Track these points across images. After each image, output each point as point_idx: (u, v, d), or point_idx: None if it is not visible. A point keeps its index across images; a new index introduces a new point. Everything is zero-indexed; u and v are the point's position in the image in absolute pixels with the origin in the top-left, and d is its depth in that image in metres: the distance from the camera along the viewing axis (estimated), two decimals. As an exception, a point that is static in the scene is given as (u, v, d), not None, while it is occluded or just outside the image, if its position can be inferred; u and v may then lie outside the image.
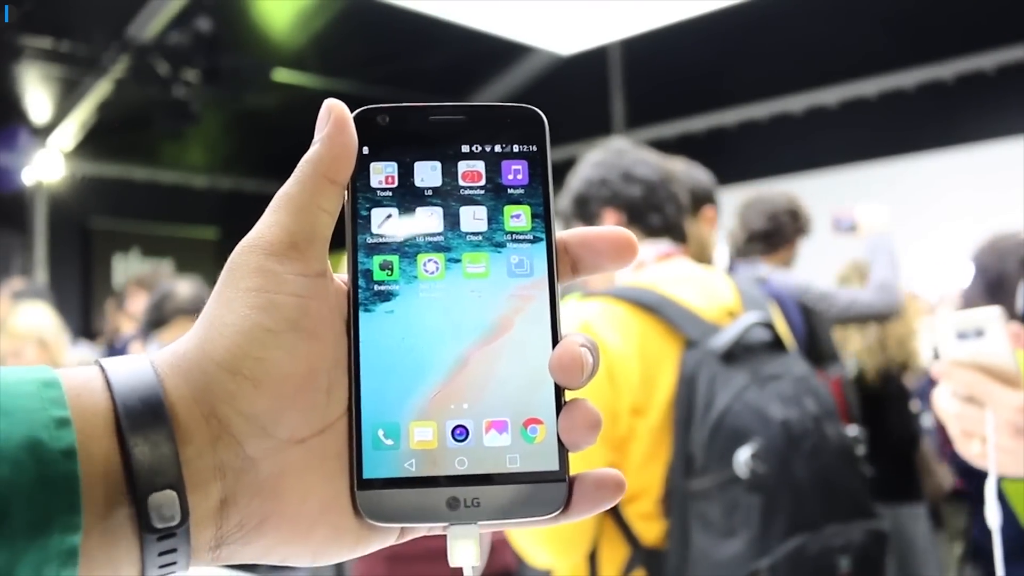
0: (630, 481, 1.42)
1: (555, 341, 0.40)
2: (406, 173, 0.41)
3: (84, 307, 7.71)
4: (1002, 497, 1.01)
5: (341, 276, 0.42)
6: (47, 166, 6.83)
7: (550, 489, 0.38)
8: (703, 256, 2.28)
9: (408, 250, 0.41)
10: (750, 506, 1.31)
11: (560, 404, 0.39)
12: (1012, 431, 0.92)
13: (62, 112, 6.60)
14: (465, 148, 0.42)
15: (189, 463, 0.35)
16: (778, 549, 1.30)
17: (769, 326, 1.50)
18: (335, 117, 0.40)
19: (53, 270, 7.19)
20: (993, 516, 0.93)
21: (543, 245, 0.41)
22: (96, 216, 7.80)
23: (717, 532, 1.33)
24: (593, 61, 6.61)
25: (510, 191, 0.41)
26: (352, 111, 0.41)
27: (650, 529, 1.41)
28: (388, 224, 0.41)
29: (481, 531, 0.39)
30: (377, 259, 0.40)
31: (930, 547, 3.36)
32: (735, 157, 6.64)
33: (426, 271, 0.40)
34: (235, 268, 0.38)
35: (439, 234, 0.41)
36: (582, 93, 7.28)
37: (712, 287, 1.58)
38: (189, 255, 8.12)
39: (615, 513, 1.44)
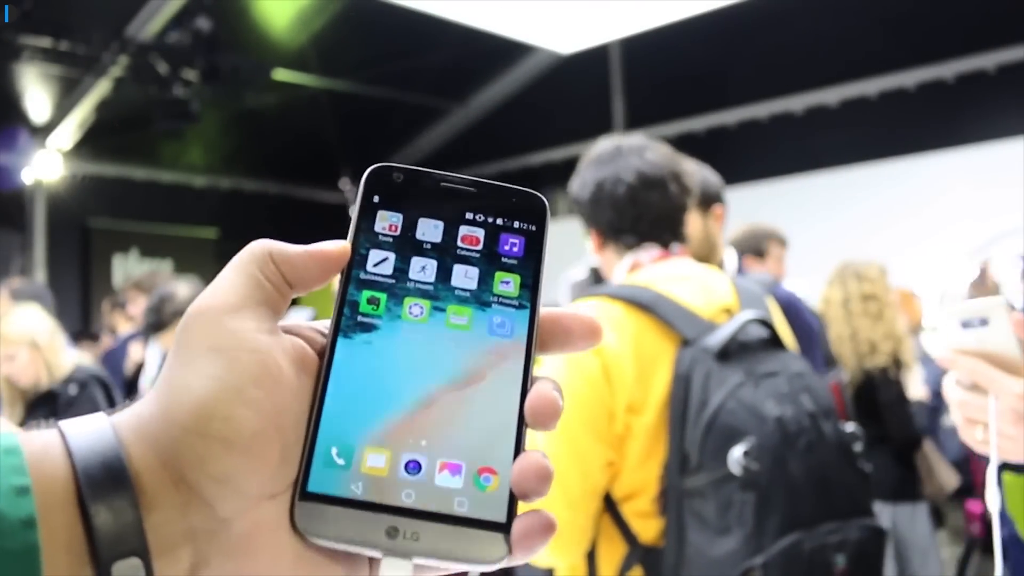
0: (627, 479, 1.42)
1: (523, 400, 0.40)
2: (409, 225, 0.43)
3: (83, 307, 7.72)
4: None
5: (299, 326, 0.42)
6: (46, 165, 6.84)
7: (492, 539, 0.38)
8: (712, 255, 2.25)
9: (397, 291, 0.42)
10: (744, 503, 1.31)
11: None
12: (1014, 418, 0.92)
13: (61, 112, 6.61)
14: (469, 215, 0.44)
15: (156, 529, 0.35)
16: (773, 546, 1.29)
17: (766, 323, 1.50)
18: (333, 252, 0.42)
19: (52, 270, 7.20)
20: (994, 502, 0.93)
21: (527, 312, 0.42)
22: (95, 216, 7.81)
23: (712, 530, 1.33)
24: (593, 61, 6.62)
25: (504, 260, 0.43)
26: (367, 167, 0.44)
27: (647, 527, 1.41)
28: (383, 265, 0.42)
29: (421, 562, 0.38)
30: (366, 294, 0.42)
31: (930, 546, 3.36)
32: (735, 157, 6.63)
33: (411, 313, 0.42)
34: (191, 329, 0.38)
35: (429, 284, 0.42)
36: (582, 93, 7.29)
37: (710, 285, 1.57)
38: (188, 255, 8.13)
39: (613, 511, 1.44)
